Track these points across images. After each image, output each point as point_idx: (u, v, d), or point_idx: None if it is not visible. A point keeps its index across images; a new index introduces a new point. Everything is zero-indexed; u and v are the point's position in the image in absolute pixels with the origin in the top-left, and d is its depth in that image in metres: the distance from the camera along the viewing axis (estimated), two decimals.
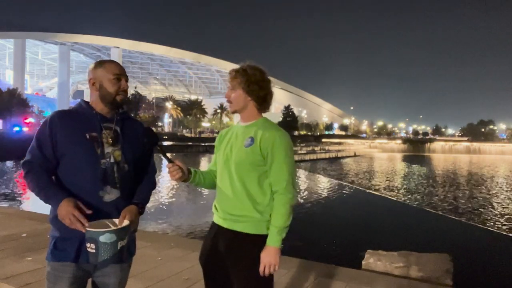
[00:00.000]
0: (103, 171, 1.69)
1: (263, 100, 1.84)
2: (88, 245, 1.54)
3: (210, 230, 1.92)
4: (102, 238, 1.52)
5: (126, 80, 1.79)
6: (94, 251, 1.53)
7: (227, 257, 1.78)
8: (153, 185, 1.93)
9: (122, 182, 1.74)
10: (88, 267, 1.71)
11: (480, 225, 12.78)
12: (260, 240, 1.74)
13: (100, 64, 1.77)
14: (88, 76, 1.78)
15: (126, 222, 1.64)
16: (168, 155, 1.79)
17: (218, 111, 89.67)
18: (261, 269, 1.70)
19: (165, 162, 1.81)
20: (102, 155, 1.70)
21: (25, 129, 43.82)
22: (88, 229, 1.54)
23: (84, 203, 1.64)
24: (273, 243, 1.72)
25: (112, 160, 1.72)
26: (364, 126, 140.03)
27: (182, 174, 1.79)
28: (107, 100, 1.74)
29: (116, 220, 1.66)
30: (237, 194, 1.77)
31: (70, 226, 1.55)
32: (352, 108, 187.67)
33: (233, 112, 1.88)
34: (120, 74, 1.76)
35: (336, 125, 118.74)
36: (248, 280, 1.74)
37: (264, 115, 1.91)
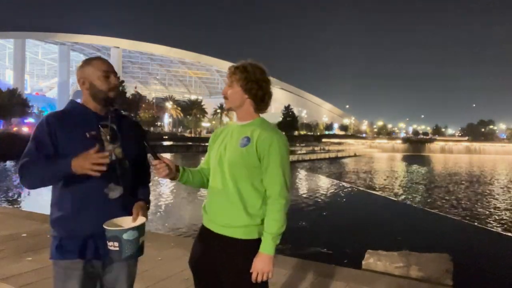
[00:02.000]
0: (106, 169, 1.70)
1: (261, 100, 1.78)
2: (110, 243, 1.58)
3: (199, 234, 1.86)
4: (125, 236, 1.57)
5: (115, 76, 1.78)
6: (117, 248, 1.57)
7: (217, 262, 1.73)
8: (149, 179, 1.97)
9: (124, 179, 1.76)
10: (97, 263, 1.71)
11: (480, 225, 12.78)
12: (251, 245, 1.68)
13: (87, 62, 1.77)
14: (77, 76, 1.77)
15: (143, 219, 1.69)
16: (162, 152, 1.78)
17: (218, 111, 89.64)
18: (253, 276, 1.65)
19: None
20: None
21: (24, 129, 43.85)
22: (109, 228, 1.58)
23: (90, 201, 1.67)
24: (267, 250, 1.66)
25: (113, 157, 1.72)
26: (364, 126, 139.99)
27: (169, 172, 1.72)
28: (99, 98, 1.74)
29: (125, 218, 1.69)
30: (229, 195, 1.71)
31: (95, 172, 1.50)
32: (347, 106, 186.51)
33: (228, 109, 1.83)
34: (108, 71, 1.75)
35: (336, 125, 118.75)
36: (240, 286, 1.69)
37: (264, 114, 1.85)
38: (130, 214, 1.73)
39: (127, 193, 1.76)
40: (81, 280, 1.67)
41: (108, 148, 1.72)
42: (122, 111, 1.93)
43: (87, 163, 1.50)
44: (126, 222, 1.68)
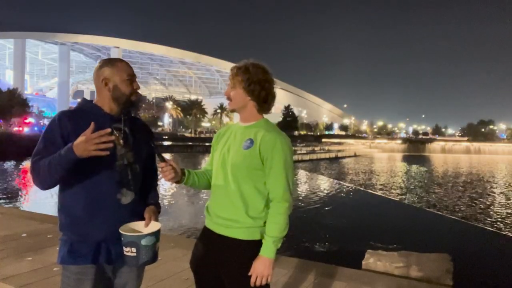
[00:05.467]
0: (118, 174, 1.67)
1: (263, 101, 1.76)
2: (127, 249, 1.57)
3: (201, 235, 1.85)
4: (143, 242, 1.56)
5: (136, 80, 1.79)
6: (134, 254, 1.56)
7: (219, 263, 1.73)
8: (157, 182, 1.96)
9: (136, 184, 1.74)
10: (108, 268, 1.70)
11: (480, 225, 12.77)
12: (252, 246, 1.67)
13: (111, 63, 1.71)
14: (99, 75, 1.70)
15: (157, 224, 1.69)
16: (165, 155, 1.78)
17: (218, 111, 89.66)
18: (252, 279, 1.64)
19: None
20: (116, 157, 1.67)
21: (25, 129, 43.90)
22: (126, 233, 1.57)
23: (103, 206, 1.65)
24: (267, 253, 1.65)
25: (125, 162, 1.70)
26: (364, 126, 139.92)
27: (175, 175, 1.71)
28: (120, 101, 1.71)
29: (137, 223, 1.68)
30: (231, 197, 1.70)
31: (103, 151, 1.48)
32: (345, 106, 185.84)
33: (232, 111, 1.81)
34: (133, 75, 1.75)
35: (336, 125, 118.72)
36: (241, 287, 1.68)
37: (265, 114, 1.83)
38: (141, 218, 1.71)
39: (138, 197, 1.75)
40: (93, 285, 1.65)
41: (120, 153, 1.69)
42: (133, 114, 1.90)
43: (90, 144, 1.46)
44: (140, 227, 1.67)
